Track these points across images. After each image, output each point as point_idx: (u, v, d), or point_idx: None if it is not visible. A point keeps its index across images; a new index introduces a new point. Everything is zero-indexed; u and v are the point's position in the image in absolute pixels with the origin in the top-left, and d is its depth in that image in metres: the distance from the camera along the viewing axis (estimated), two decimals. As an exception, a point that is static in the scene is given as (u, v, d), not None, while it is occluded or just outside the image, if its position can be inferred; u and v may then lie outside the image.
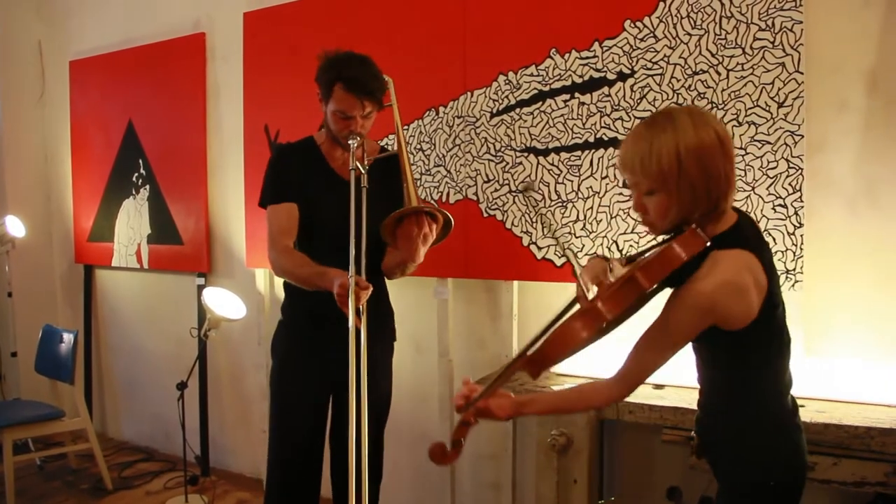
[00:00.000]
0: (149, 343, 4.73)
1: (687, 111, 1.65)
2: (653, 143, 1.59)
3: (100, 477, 4.15)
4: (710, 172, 1.59)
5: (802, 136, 2.61)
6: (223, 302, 3.81)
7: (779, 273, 2.65)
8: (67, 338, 4.14)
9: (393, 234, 2.42)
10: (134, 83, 4.51)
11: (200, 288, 4.17)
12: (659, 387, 2.73)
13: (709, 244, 1.59)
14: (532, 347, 1.65)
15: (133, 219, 4.55)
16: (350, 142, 2.46)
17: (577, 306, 1.70)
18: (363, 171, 2.42)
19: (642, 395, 2.63)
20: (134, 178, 4.52)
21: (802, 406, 2.43)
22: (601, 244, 2.95)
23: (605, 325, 1.61)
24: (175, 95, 4.32)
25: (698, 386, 1.90)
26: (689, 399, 2.53)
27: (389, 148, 2.80)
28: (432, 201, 3.28)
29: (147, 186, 4.46)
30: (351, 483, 2.14)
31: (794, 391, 2.54)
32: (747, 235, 1.68)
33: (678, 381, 2.72)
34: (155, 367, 4.66)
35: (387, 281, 2.77)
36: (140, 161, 4.48)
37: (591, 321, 1.59)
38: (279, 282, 3.67)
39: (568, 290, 3.13)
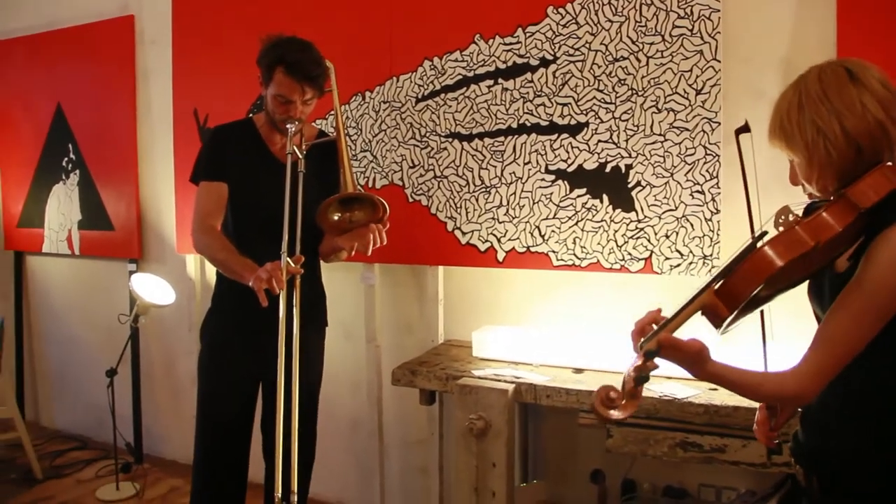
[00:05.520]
0: (81, 330, 4.65)
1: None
2: (778, 104, 1.51)
3: (29, 467, 4.07)
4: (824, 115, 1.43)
5: (719, 124, 2.65)
6: (152, 288, 3.76)
7: (696, 259, 2.72)
8: (-8, 325, 4.06)
9: (330, 222, 2.46)
10: (62, 66, 4.41)
11: (132, 274, 4.11)
12: (578, 370, 2.76)
13: None
14: (718, 282, 1.44)
15: (63, 204, 4.46)
16: (288, 126, 2.46)
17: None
18: (300, 156, 2.44)
19: (560, 378, 2.66)
20: (64, 163, 4.43)
21: (714, 390, 2.49)
22: (524, 229, 2.97)
23: (811, 257, 1.39)
24: (104, 79, 4.24)
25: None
26: (605, 383, 2.55)
27: (329, 132, 2.80)
28: (359, 187, 3.27)
29: (77, 171, 4.37)
30: (278, 466, 2.16)
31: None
32: None
33: (597, 365, 2.76)
34: (87, 354, 4.59)
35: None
36: (70, 145, 4.39)
37: (791, 245, 1.38)
38: (210, 268, 3.64)
39: (490, 275, 3.18)
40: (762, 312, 1.68)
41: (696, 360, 1.43)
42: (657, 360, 1.44)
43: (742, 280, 1.40)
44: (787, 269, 1.38)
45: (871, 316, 1.38)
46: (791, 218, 1.46)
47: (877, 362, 1.45)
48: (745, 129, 1.69)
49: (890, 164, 1.41)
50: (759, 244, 1.42)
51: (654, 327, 1.46)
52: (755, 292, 1.40)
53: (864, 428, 1.49)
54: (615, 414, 1.46)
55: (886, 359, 1.44)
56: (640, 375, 1.44)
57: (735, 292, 1.41)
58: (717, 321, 1.46)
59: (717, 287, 1.43)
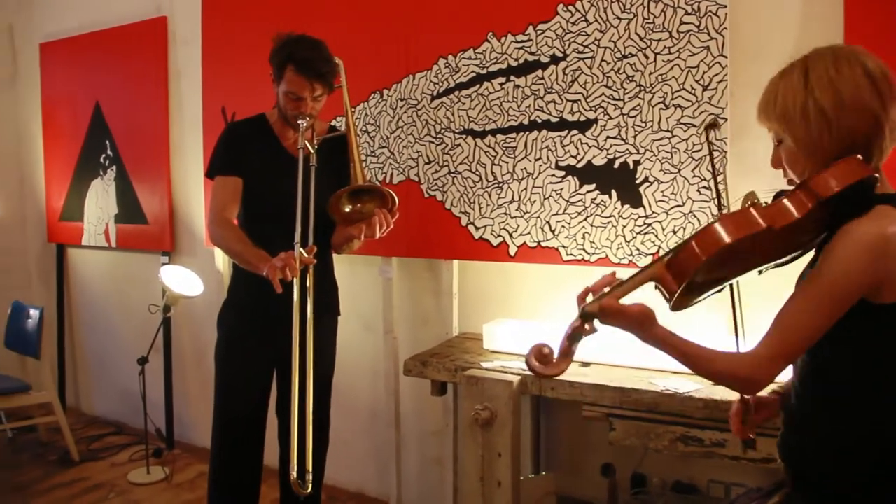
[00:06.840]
0: (117, 320, 4.82)
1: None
2: (784, 85, 1.52)
3: (67, 449, 4.25)
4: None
5: (726, 120, 2.66)
6: (181, 279, 3.89)
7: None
8: (34, 314, 4.23)
9: (341, 213, 2.53)
10: (100, 66, 4.58)
11: (163, 266, 4.25)
12: (585, 364, 2.79)
13: (876, 177, 1.40)
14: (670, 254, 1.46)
15: (101, 198, 4.64)
16: (300, 122, 2.55)
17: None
18: (312, 151, 2.53)
19: (566, 371, 2.69)
20: (101, 159, 4.60)
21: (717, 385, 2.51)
22: (535, 224, 3.01)
23: (765, 240, 1.39)
24: (139, 78, 4.39)
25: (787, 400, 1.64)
26: (610, 377, 2.58)
27: (339, 128, 2.88)
28: (377, 181, 3.34)
29: (114, 167, 4.54)
30: (293, 448, 2.25)
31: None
32: None
33: (605, 359, 2.78)
34: (123, 343, 4.76)
35: (334, 259, 2.88)
36: (107, 142, 4.56)
37: (742, 224, 1.38)
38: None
39: (505, 269, 3.23)
40: (734, 304, 1.70)
41: (639, 323, 1.47)
42: (599, 325, 1.49)
43: (690, 254, 1.41)
44: (737, 248, 1.38)
45: (826, 306, 1.39)
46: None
47: (842, 356, 1.46)
48: (715, 124, 1.74)
49: (859, 156, 1.41)
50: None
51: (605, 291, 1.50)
52: (701, 267, 1.40)
53: (824, 424, 1.51)
54: (543, 369, 1.53)
55: (848, 350, 1.45)
56: (574, 335, 1.50)
57: (683, 266, 1.42)
58: (666, 294, 1.48)
59: (667, 260, 1.45)
